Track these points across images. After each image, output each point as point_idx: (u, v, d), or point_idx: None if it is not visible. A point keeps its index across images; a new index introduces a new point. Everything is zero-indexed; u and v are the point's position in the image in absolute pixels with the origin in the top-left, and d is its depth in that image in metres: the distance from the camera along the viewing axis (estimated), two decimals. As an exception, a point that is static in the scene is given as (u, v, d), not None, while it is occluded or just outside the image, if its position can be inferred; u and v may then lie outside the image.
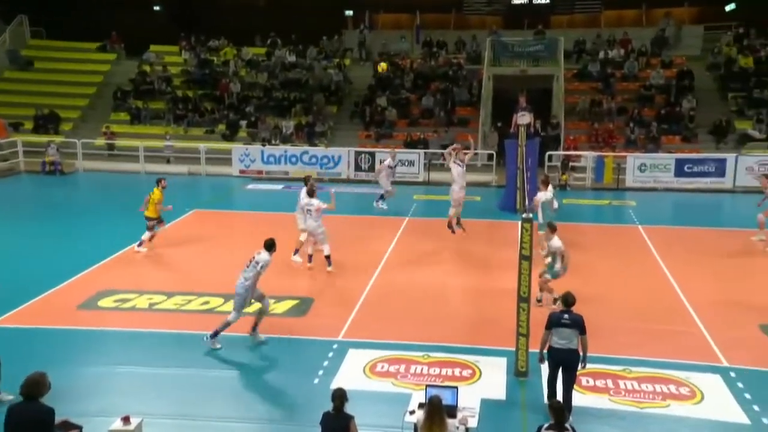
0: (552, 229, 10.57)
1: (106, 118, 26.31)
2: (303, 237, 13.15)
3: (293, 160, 22.61)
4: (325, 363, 9.08)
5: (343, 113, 26.20)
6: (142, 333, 10.05)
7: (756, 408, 7.76)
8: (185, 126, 25.61)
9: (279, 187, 21.40)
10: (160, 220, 14.13)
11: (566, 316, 7.74)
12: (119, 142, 24.64)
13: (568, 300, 7.88)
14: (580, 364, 7.62)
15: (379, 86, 26.26)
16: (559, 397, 7.62)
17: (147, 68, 28.20)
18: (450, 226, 14.70)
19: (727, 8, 28.04)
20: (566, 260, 10.52)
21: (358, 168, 22.26)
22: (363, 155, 22.33)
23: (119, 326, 10.28)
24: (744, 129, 21.94)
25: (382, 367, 8.94)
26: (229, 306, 11.03)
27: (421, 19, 28.89)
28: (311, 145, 23.70)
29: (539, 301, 10.68)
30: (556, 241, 10.48)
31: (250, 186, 21.53)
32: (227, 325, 9.55)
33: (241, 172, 22.76)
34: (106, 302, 11.16)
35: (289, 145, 23.76)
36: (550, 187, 13.53)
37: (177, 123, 25.73)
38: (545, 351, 7.82)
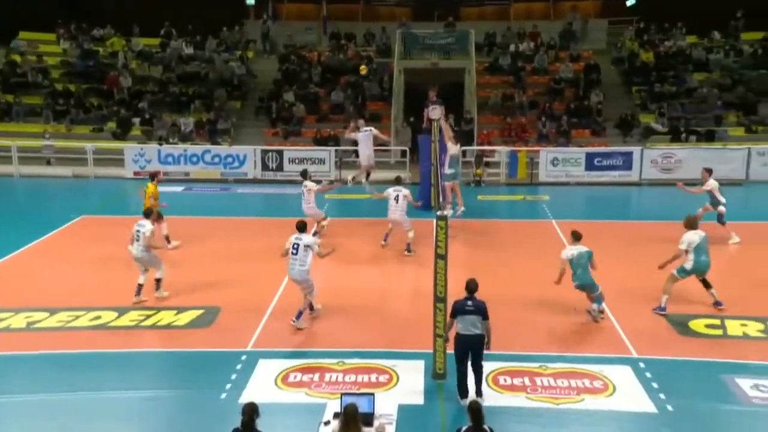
0: (576, 237, 10.57)
1: (-35, 113, 24.57)
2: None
3: (194, 159, 22.01)
4: (233, 376, 8.91)
5: (247, 109, 25.76)
6: (17, 356, 9.48)
7: (662, 396, 8.31)
8: (68, 123, 24.32)
9: (179, 189, 20.77)
10: (159, 216, 13.47)
11: (470, 302, 8.24)
12: (-17, 142, 23.09)
13: (470, 287, 8.32)
14: (485, 347, 8.23)
15: (285, 80, 26.01)
16: (471, 384, 8.18)
17: (17, 58, 26.53)
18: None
19: (629, 3, 29.83)
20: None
21: (265, 167, 21.97)
22: (270, 154, 22.06)
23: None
24: (648, 122, 23.39)
25: (295, 377, 8.88)
26: (125, 320, 10.62)
27: (328, 10, 28.87)
28: (213, 143, 23.15)
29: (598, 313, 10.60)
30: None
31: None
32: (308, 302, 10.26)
33: (136, 173, 21.91)
34: (-28, 324, 10.42)
35: (189, 143, 23.10)
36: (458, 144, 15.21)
37: (57, 120, 24.39)
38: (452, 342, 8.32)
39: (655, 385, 8.57)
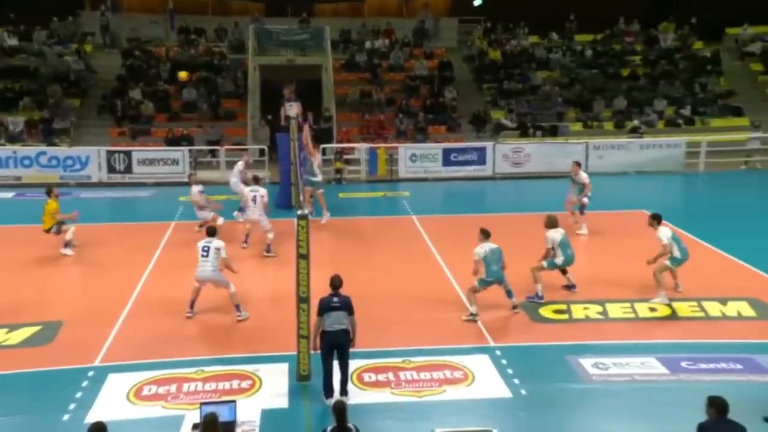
0: (486, 235, 10.81)
1: None
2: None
3: (26, 162, 20.34)
4: (78, 394, 8.37)
5: (88, 107, 24.19)
6: None
7: (516, 381, 8.83)
8: None
9: (9, 195, 19.09)
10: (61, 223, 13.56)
11: (336, 299, 8.35)
12: None
13: (335, 283, 8.44)
14: (351, 343, 8.37)
15: (130, 77, 24.70)
16: (337, 380, 8.26)
17: None
18: None
19: (476, 3, 31.44)
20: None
21: (111, 170, 20.74)
22: (117, 155, 20.86)
23: None
24: (498, 118, 24.76)
25: (150, 390, 8.50)
26: None
27: (175, 2, 27.75)
28: (50, 144, 21.50)
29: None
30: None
31: (-29, 195, 18.88)
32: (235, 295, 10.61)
33: (-49, 180, 19.85)
34: None
35: (19, 145, 21.26)
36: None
37: None
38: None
39: (510, 371, 9.08)
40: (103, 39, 26.77)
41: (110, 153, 20.85)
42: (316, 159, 16.34)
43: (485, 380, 8.88)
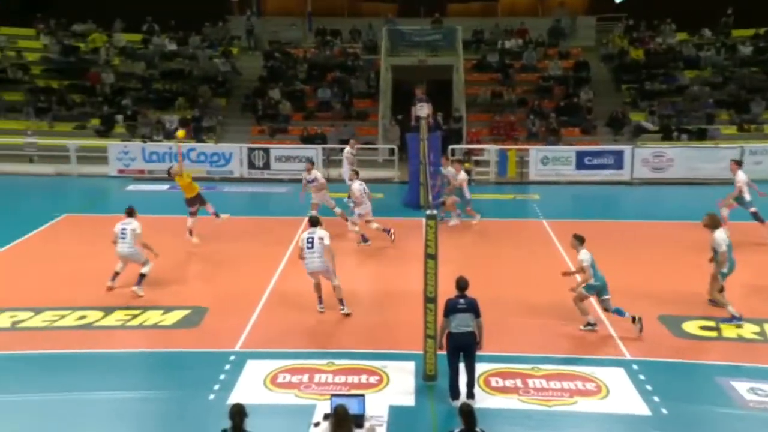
0: (580, 240, 10.36)
1: (-57, 110, 24.22)
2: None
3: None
4: (222, 377, 8.88)
5: (232, 106, 25.65)
6: (2, 356, 9.40)
7: (656, 399, 8.35)
8: (50, 120, 24.09)
9: (164, 187, 20.60)
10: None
11: (462, 300, 8.30)
12: (-37, 139, 22.81)
13: (460, 284, 8.38)
14: (477, 345, 8.29)
15: (270, 77, 25.92)
16: (463, 384, 8.21)
17: (-5, 53, 26.27)
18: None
19: (617, 0, 30.06)
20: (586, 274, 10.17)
21: (251, 166, 21.86)
22: (257, 152, 21.95)
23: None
24: (638, 121, 23.55)
25: (284, 378, 8.86)
26: (111, 319, 10.60)
27: (313, 5, 28.81)
28: (199, 141, 23.02)
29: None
30: (583, 254, 10.22)
31: (131, 187, 20.62)
32: (340, 288, 10.75)
33: (120, 171, 21.74)
34: (-45, 323, 10.32)
35: (173, 141, 22.93)
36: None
37: (39, 117, 24.16)
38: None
39: (648, 387, 8.61)
40: (248, 42, 28.27)
41: (251, 150, 21.99)
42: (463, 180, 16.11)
43: (620, 395, 8.49)
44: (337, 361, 9.27)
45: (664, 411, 8.13)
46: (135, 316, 10.71)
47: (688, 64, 25.77)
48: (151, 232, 15.27)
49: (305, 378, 8.85)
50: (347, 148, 18.50)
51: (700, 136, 22.68)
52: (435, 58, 24.97)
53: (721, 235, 10.50)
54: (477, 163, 21.95)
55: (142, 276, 11.57)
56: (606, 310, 10.27)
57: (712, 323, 10.44)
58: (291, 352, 9.63)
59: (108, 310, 10.84)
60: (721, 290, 10.46)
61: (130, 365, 9.30)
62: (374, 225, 14.71)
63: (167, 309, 10.96)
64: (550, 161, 21.29)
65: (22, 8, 28.60)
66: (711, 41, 26.77)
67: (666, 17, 27.41)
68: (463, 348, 8.24)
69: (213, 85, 25.69)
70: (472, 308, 8.27)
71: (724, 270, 10.54)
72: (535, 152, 21.40)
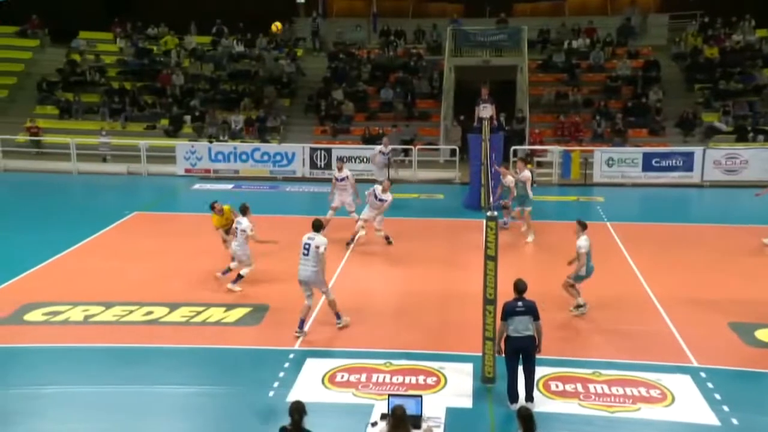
0: (582, 226, 10.49)
1: (29, 111, 25.48)
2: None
3: (243, 157, 22.35)
4: (281, 374, 9.03)
5: (296, 107, 26.07)
6: (74, 348, 9.82)
7: (725, 408, 8.04)
8: (122, 121, 25.08)
9: (229, 186, 21.15)
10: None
11: (520, 303, 8.17)
12: (47, 139, 23.95)
13: (519, 287, 8.26)
14: (536, 349, 8.17)
15: (334, 78, 26.22)
16: (522, 387, 8.12)
17: (76, 57, 27.48)
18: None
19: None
20: (581, 261, 10.37)
21: (313, 165, 22.16)
22: (319, 152, 22.24)
23: (47, 342, 9.99)
24: (711, 122, 22.66)
25: (342, 377, 8.95)
26: (176, 315, 10.91)
27: (378, 6, 28.99)
28: (263, 141, 23.51)
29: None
30: (582, 240, 10.38)
31: (197, 186, 21.23)
32: (334, 302, 10.24)
33: (187, 171, 22.41)
34: (33, 316, 10.84)
35: (238, 141, 23.52)
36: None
37: (113, 117, 25.19)
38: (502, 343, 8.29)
39: (717, 396, 8.31)
40: (313, 43, 28.68)
41: (313, 150, 22.28)
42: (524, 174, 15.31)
43: (687, 403, 8.21)
44: (395, 362, 9.30)
45: (735, 421, 7.83)
46: (198, 313, 10.99)
47: (767, 62, 24.61)
48: (212, 229, 15.73)
49: (363, 377, 8.91)
50: (379, 147, 18.12)
51: (777, 137, 21.67)
52: (499, 58, 24.69)
53: None
54: (540, 164, 21.58)
55: (239, 277, 11.86)
56: None
57: (787, 332, 9.97)
58: (349, 351, 9.72)
59: (173, 306, 11.18)
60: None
61: (193, 361, 9.55)
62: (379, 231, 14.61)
63: (230, 306, 11.22)
64: (616, 162, 20.75)
65: (102, 13, 29.88)
66: (792, 38, 25.53)
67: (745, 13, 26.24)
68: (523, 351, 8.15)
69: (278, 86, 26.19)
70: (531, 311, 8.16)
71: None
72: (600, 153, 20.90)
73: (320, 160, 22.12)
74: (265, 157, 22.32)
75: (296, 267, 13.12)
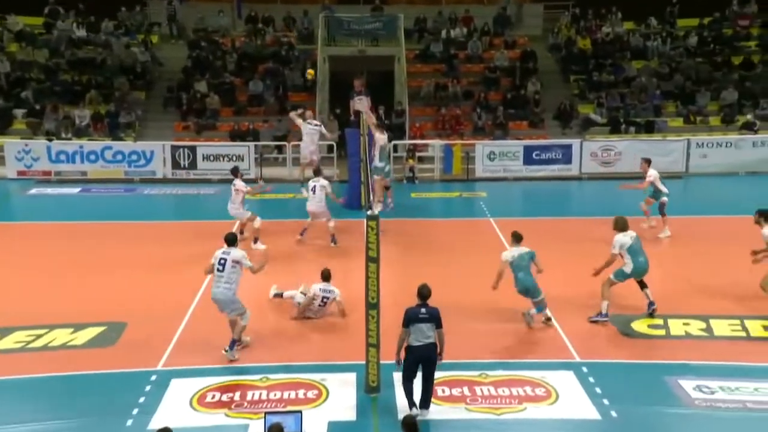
0: (517, 238, 10.68)
1: None
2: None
3: (92, 157, 21.25)
4: (141, 399, 8.69)
5: (153, 100, 25.13)
6: None
7: (605, 402, 8.61)
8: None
9: (75, 190, 20.05)
10: None
11: (423, 310, 8.29)
12: None
13: (423, 293, 8.37)
14: (438, 357, 8.31)
15: (196, 69, 25.51)
16: (418, 395, 8.25)
17: None
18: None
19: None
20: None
21: (176, 165, 21.45)
22: (182, 150, 21.54)
23: None
24: (587, 113, 24.22)
25: (213, 397, 8.74)
26: (9, 342, 10.20)
27: (243, -10, 28.49)
28: (115, 138, 22.44)
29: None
30: (623, 237, 10.64)
31: (34, 190, 19.97)
32: (243, 329, 9.73)
33: (20, 173, 21.00)
34: None
35: (85, 139, 22.29)
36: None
37: None
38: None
39: (598, 390, 8.87)
40: (170, 29, 27.74)
41: (175, 148, 21.56)
42: (380, 141, 16.10)
43: (570, 399, 8.72)
44: (272, 376, 9.20)
45: (614, 414, 8.39)
46: (38, 337, 10.30)
47: (635, 54, 26.65)
48: (62, 239, 14.86)
49: (236, 396, 8.75)
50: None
51: (648, 128, 23.50)
52: (375, 48, 25.06)
53: (621, 239, 10.81)
54: (421, 159, 22.12)
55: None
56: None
57: (660, 321, 10.84)
58: (221, 368, 9.50)
59: (4, 332, 10.40)
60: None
61: (33, 394, 8.93)
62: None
63: (78, 326, 10.60)
64: (498, 156, 21.66)
65: None
66: (657, 31, 27.74)
67: (612, 5, 28.25)
68: (424, 361, 8.24)
69: (131, 77, 25.07)
70: (434, 318, 8.24)
71: (623, 270, 10.87)
72: (482, 147, 21.72)
73: (184, 159, 21.46)
74: (119, 157, 21.35)
75: (161, 278, 12.83)
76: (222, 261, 9.57)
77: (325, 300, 10.90)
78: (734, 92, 24.36)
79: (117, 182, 21.02)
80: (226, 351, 9.63)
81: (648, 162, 15.74)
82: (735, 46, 26.81)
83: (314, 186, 14.52)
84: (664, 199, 15.14)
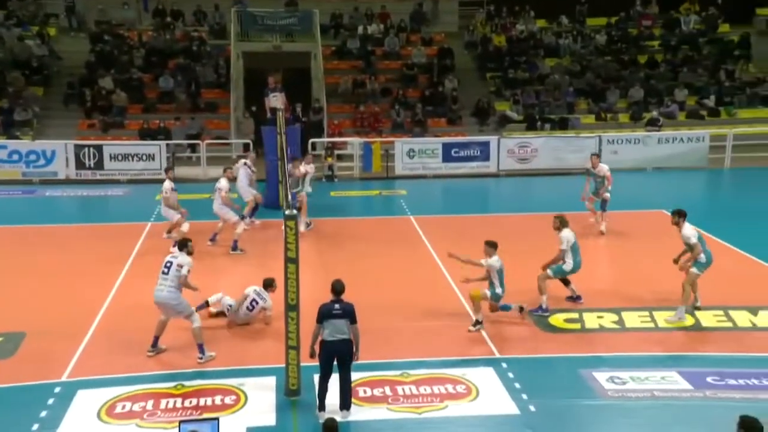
0: (492, 246, 10.59)
1: None
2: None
3: (-15, 157, 20.20)
4: (43, 413, 8.35)
5: (52, 97, 24.15)
6: None
7: (524, 396, 8.86)
8: None
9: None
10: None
11: (337, 306, 8.30)
12: None
13: (336, 288, 8.39)
14: (354, 355, 8.32)
15: (100, 63, 24.64)
16: (336, 396, 8.25)
17: None
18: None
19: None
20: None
21: (80, 165, 20.67)
22: (87, 149, 20.77)
23: None
24: (503, 110, 24.80)
25: (124, 407, 8.50)
26: None
27: (149, -18, 27.69)
28: (10, 137, 21.43)
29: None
30: (495, 260, 10.52)
31: None
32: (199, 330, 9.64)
33: None
34: None
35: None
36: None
37: None
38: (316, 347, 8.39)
39: (517, 385, 9.11)
40: (69, 21, 26.68)
41: (79, 147, 20.76)
42: (311, 170, 16.17)
43: (490, 395, 8.90)
44: (187, 383, 9.02)
45: (532, 408, 8.63)
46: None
47: (548, 52, 27.49)
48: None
49: (149, 405, 8.53)
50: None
51: (562, 125, 24.29)
52: (291, 44, 24.83)
53: (568, 234, 11.20)
54: (339, 157, 22.11)
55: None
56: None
57: (576, 315, 11.24)
58: (132, 377, 9.24)
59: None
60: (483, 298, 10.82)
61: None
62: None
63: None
64: (417, 154, 21.88)
65: None
66: (569, 29, 28.71)
67: (525, 3, 29.06)
68: (338, 356, 8.26)
69: (26, 71, 23.98)
70: (348, 314, 8.27)
71: (562, 267, 11.26)
72: (401, 145, 21.90)
73: (89, 159, 20.71)
74: (15, 157, 20.42)
75: (65, 284, 12.33)
76: (168, 264, 9.68)
77: (254, 304, 10.70)
78: (641, 90, 25.48)
79: (14, 183, 20.08)
80: (200, 359, 9.62)
81: (598, 156, 16.07)
82: (640, 45, 28.05)
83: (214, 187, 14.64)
84: (607, 195, 15.32)
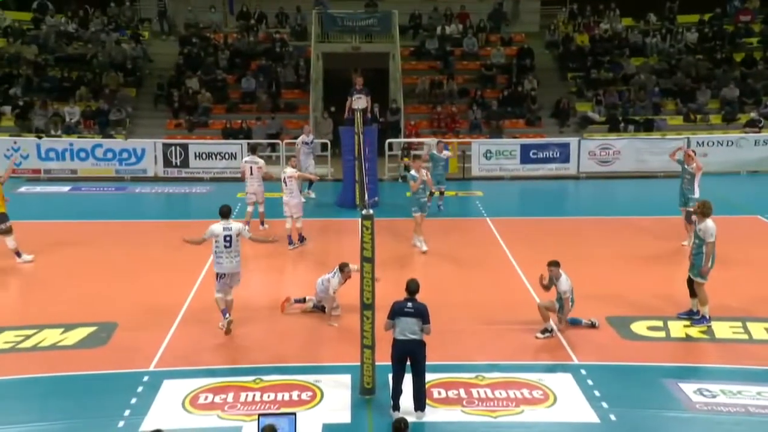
0: (556, 265, 10.30)
1: None
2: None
3: (82, 155, 21.21)
4: (133, 400, 8.68)
5: (144, 97, 25.07)
6: None
7: (604, 405, 8.62)
8: None
9: (65, 189, 20.00)
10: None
11: (410, 304, 8.32)
12: None
13: (410, 287, 8.41)
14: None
15: (188, 65, 25.46)
16: (410, 395, 8.26)
17: None
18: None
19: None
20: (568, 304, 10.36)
21: (167, 163, 21.42)
22: (173, 148, 21.51)
23: None
24: (584, 111, 24.26)
25: (206, 398, 8.74)
26: None
27: (235, -14, 28.42)
28: (105, 136, 22.38)
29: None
30: (564, 283, 10.24)
31: (23, 189, 19.89)
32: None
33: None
34: None
35: (75, 136, 22.22)
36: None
37: None
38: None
39: (597, 393, 8.88)
40: (161, 25, 27.66)
41: (166, 146, 21.52)
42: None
43: (568, 402, 8.72)
44: (265, 377, 9.19)
45: (613, 417, 8.40)
46: (28, 337, 10.27)
47: (634, 51, 26.69)
48: (46, 239, 14.84)
49: (230, 397, 8.74)
50: (301, 137, 18.71)
51: (647, 126, 23.55)
52: (370, 44, 25.03)
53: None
54: (416, 158, 22.07)
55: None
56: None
57: (659, 323, 10.86)
58: (214, 369, 9.51)
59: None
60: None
61: (23, 395, 8.91)
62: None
63: (68, 327, 10.58)
64: (494, 155, 21.68)
65: None
66: (657, 27, 27.79)
67: (611, 2, 28.30)
68: (410, 356, 8.27)
69: (121, 73, 25.02)
70: (420, 314, 8.27)
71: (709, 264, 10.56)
72: (478, 146, 21.75)
73: (175, 157, 21.43)
74: (109, 155, 21.32)
75: (152, 277, 12.79)
76: (227, 237, 10.17)
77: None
78: (735, 90, 24.41)
79: (108, 180, 20.98)
80: (223, 324, 10.30)
81: (694, 152, 14.93)
82: (736, 43, 26.86)
83: (251, 167, 15.50)
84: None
